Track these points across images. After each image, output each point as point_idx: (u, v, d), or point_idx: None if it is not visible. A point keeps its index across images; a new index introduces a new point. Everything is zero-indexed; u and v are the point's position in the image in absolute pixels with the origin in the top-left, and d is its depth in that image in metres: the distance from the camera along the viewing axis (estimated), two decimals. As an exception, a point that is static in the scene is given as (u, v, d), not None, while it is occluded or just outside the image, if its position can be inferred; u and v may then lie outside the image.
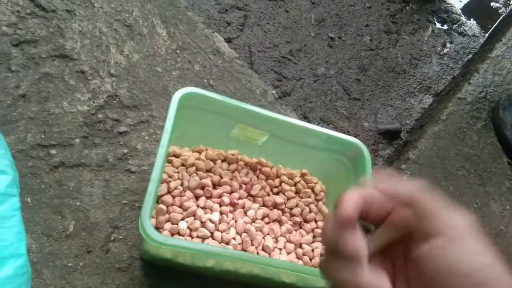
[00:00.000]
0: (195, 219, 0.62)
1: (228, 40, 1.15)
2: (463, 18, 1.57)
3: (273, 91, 0.91)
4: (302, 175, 0.74)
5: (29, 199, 0.63)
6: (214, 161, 0.69)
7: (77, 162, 0.67)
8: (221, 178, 0.67)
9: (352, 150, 0.67)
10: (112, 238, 0.64)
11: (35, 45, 0.74)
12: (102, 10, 0.82)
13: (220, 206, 0.65)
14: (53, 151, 0.67)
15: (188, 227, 0.61)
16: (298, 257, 0.66)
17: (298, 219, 0.69)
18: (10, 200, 0.36)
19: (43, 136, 0.68)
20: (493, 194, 1.00)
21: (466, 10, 1.63)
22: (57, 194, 0.64)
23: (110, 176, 0.68)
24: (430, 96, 1.32)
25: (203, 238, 0.61)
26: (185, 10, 0.91)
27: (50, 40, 0.76)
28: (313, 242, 0.69)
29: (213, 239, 0.61)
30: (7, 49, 0.72)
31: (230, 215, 0.65)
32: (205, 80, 0.84)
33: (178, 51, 0.85)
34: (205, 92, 0.60)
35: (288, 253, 0.66)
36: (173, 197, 0.63)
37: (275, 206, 0.69)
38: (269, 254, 0.64)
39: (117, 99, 0.75)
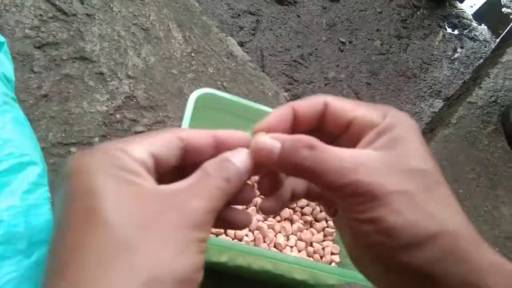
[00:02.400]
0: (209, 216, 0.64)
1: (241, 44, 1.17)
2: (474, 23, 1.58)
3: (285, 94, 0.93)
4: (313, 175, 0.76)
5: (50, 195, 0.65)
6: (227, 160, 0.71)
7: (96, 160, 0.70)
8: (235, 177, 0.69)
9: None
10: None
11: (57, 48, 0.77)
12: (121, 14, 0.85)
13: (234, 204, 0.67)
14: (73, 149, 0.70)
15: (203, 224, 0.63)
16: (309, 255, 0.68)
17: (309, 218, 0.71)
18: (40, 189, 0.39)
19: (63, 135, 0.70)
20: (503, 197, 1.01)
21: (477, 15, 1.63)
22: (77, 190, 0.67)
23: (127, 174, 0.71)
24: (440, 100, 1.33)
25: (217, 234, 0.63)
26: (200, 14, 0.94)
27: (70, 43, 0.78)
28: (323, 240, 0.70)
29: (226, 235, 0.63)
30: (30, 51, 0.75)
31: (243, 212, 0.66)
32: (219, 82, 0.87)
33: (193, 54, 0.87)
34: (221, 93, 0.62)
35: (299, 251, 0.67)
36: (188, 194, 0.65)
37: (287, 205, 0.71)
38: (281, 251, 0.65)
39: (134, 100, 0.77)
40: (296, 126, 0.28)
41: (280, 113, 0.28)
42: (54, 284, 0.20)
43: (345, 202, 0.24)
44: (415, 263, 0.22)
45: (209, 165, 0.25)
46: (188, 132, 0.26)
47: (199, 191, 0.23)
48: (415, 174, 0.23)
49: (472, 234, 0.23)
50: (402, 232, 0.22)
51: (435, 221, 0.23)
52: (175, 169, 0.26)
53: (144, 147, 0.23)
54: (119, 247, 0.19)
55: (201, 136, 0.26)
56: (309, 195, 0.31)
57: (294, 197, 0.30)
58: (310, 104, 0.27)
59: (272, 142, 0.25)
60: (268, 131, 0.27)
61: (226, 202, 0.24)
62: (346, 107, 0.26)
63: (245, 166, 0.26)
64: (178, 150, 0.25)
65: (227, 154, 0.26)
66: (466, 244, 0.23)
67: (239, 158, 0.26)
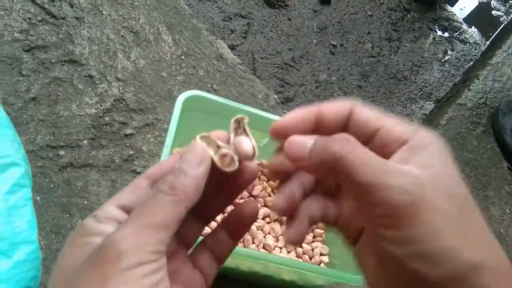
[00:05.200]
0: (198, 217, 0.64)
1: (232, 47, 1.18)
2: (464, 26, 1.59)
3: (275, 96, 0.94)
4: (303, 177, 0.76)
5: (38, 198, 0.65)
6: (216, 162, 0.71)
7: (84, 162, 0.70)
8: (224, 178, 0.69)
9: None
10: (117, 236, 0.66)
11: (46, 51, 0.77)
12: (110, 17, 0.85)
13: (222, 205, 0.67)
14: (61, 152, 0.69)
15: (191, 225, 0.63)
16: (298, 256, 0.68)
17: (298, 219, 0.71)
18: (23, 191, 0.39)
19: (52, 138, 0.70)
20: (492, 198, 1.02)
21: (467, 18, 1.65)
22: (65, 193, 0.67)
23: (116, 176, 0.71)
24: (431, 102, 1.34)
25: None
26: (190, 17, 0.94)
27: (60, 46, 0.78)
28: (313, 241, 0.70)
29: (215, 237, 0.63)
30: (19, 54, 0.75)
31: (232, 214, 0.67)
32: (209, 85, 0.87)
33: (182, 57, 0.88)
34: (208, 95, 0.62)
35: (288, 252, 0.68)
36: (177, 196, 0.65)
37: (276, 206, 0.71)
38: (270, 252, 0.66)
39: (124, 103, 0.78)
40: (317, 131, 0.25)
41: (302, 114, 0.25)
42: None
43: (376, 211, 0.21)
44: None
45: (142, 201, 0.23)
46: (153, 168, 0.25)
47: (129, 225, 0.22)
48: (453, 198, 0.21)
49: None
50: (442, 258, 0.20)
51: (477, 251, 0.20)
52: None
53: (113, 203, 0.24)
54: None
55: (167, 164, 0.25)
56: (327, 219, 0.28)
57: (312, 222, 0.27)
58: (336, 108, 0.25)
59: (303, 138, 0.24)
60: (284, 132, 0.25)
61: (181, 211, 0.23)
62: (372, 116, 0.24)
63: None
64: (149, 189, 0.25)
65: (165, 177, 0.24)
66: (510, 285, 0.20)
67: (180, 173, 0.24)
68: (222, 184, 0.27)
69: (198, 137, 0.25)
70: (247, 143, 0.26)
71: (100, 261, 0.20)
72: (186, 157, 0.24)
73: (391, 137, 0.23)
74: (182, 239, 0.27)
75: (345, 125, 0.25)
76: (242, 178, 0.27)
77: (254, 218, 0.28)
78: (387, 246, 0.21)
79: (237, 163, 0.25)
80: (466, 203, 0.22)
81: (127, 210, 0.24)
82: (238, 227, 0.28)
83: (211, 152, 0.25)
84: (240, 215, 0.28)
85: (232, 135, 0.26)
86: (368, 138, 0.24)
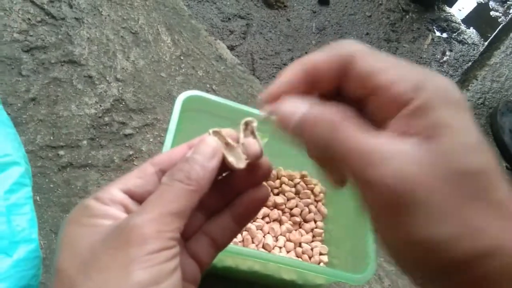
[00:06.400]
0: (197, 217, 0.64)
1: (231, 48, 1.18)
2: (463, 27, 1.60)
3: (274, 96, 0.94)
4: (302, 177, 0.76)
5: (38, 198, 0.65)
6: (216, 162, 0.71)
7: (84, 162, 0.70)
8: (223, 178, 0.70)
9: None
10: (117, 236, 0.66)
11: (45, 51, 0.77)
12: (109, 18, 0.85)
13: (222, 205, 0.67)
14: (61, 152, 0.70)
15: (191, 225, 0.63)
16: (297, 256, 0.68)
17: (298, 219, 0.71)
18: (23, 189, 0.39)
19: (52, 138, 0.70)
20: (491, 198, 1.02)
21: (466, 19, 1.66)
22: (65, 193, 0.67)
23: (115, 176, 0.71)
24: (430, 103, 1.34)
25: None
26: (189, 18, 0.94)
27: (59, 46, 0.79)
28: (312, 241, 0.71)
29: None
30: (18, 55, 0.75)
31: (232, 214, 0.67)
32: (208, 85, 0.87)
33: (182, 57, 0.88)
34: (208, 95, 0.63)
35: (288, 252, 0.68)
36: (176, 196, 0.65)
37: (276, 206, 0.71)
38: (269, 252, 0.66)
39: (123, 103, 0.78)
40: (314, 87, 0.24)
41: (293, 76, 0.23)
42: None
43: (373, 203, 0.20)
44: None
45: (163, 179, 0.24)
46: (161, 156, 0.26)
47: (150, 211, 0.22)
48: (462, 178, 0.18)
49: None
50: (439, 248, 0.18)
51: (486, 236, 0.18)
52: None
53: (117, 187, 0.24)
54: None
55: (175, 153, 0.26)
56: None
57: None
58: (331, 61, 0.22)
59: (290, 108, 0.23)
60: (277, 99, 0.24)
61: (195, 201, 0.23)
62: (372, 70, 0.21)
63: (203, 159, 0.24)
64: (155, 176, 0.25)
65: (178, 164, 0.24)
66: None
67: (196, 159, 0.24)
68: (232, 180, 0.28)
69: (211, 131, 0.26)
70: (256, 145, 0.27)
71: (124, 244, 0.21)
72: (200, 148, 0.25)
73: (389, 98, 0.20)
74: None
75: (343, 77, 0.22)
76: (256, 174, 0.27)
77: (264, 202, 0.28)
78: (385, 228, 0.20)
79: (245, 162, 0.26)
80: (483, 180, 0.18)
81: (132, 194, 0.24)
82: (246, 211, 0.28)
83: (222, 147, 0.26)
84: (249, 199, 0.27)
85: (241, 135, 0.27)
86: (368, 94, 0.22)
